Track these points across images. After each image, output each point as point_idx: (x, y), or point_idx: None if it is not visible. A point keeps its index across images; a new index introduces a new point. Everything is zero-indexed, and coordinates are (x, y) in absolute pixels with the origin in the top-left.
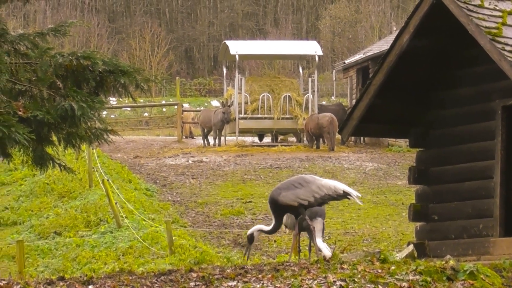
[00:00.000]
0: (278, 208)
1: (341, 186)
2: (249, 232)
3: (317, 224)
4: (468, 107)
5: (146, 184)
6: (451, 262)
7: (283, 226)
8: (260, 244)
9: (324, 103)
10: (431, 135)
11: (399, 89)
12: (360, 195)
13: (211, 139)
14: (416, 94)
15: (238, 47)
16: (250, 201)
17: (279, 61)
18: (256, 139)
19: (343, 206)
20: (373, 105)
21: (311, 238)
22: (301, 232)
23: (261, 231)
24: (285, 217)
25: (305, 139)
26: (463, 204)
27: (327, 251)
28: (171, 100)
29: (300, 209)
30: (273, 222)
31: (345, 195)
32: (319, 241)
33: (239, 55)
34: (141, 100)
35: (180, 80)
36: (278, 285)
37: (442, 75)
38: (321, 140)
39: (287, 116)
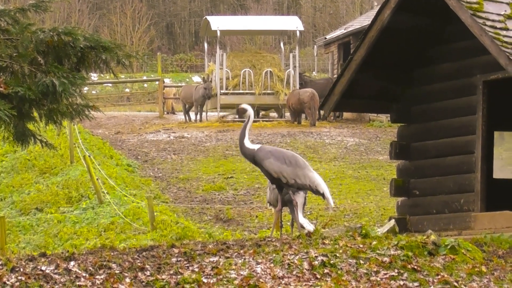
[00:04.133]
0: (256, 165)
1: (323, 187)
2: (245, 107)
3: (299, 198)
4: (449, 82)
5: (128, 160)
6: (433, 237)
7: (267, 204)
8: (242, 219)
9: (312, 75)
10: (413, 111)
11: (381, 65)
12: (333, 205)
13: (192, 115)
14: (398, 70)
15: (219, 22)
16: (231, 177)
17: (261, 37)
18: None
19: (325, 181)
20: (354, 81)
21: (293, 213)
22: (283, 208)
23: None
24: (268, 193)
25: (287, 114)
26: (445, 179)
27: (309, 227)
28: (152, 76)
29: (276, 182)
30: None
31: (322, 195)
32: (301, 217)
33: (220, 31)
34: (122, 76)
35: (162, 55)
36: (260, 261)
37: (423, 51)
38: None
39: (269, 91)
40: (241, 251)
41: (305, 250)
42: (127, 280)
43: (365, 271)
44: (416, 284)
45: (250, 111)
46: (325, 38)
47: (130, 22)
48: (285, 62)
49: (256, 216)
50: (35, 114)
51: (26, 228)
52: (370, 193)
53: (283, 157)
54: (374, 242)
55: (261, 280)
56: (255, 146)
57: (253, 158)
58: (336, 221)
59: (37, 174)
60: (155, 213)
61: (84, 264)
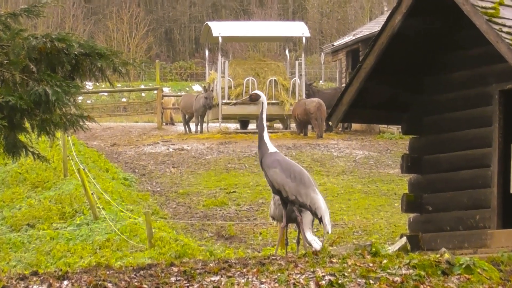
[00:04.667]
0: (261, 168)
1: (323, 211)
2: (258, 92)
3: (306, 216)
4: (463, 91)
5: (124, 173)
6: (446, 256)
7: (270, 218)
8: (244, 236)
9: (319, 84)
10: (425, 122)
11: (391, 73)
12: (329, 232)
13: (192, 126)
14: (409, 78)
15: (221, 28)
16: (234, 191)
17: (265, 44)
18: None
19: (332, 196)
20: (363, 90)
21: (299, 230)
22: (289, 224)
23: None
24: (272, 208)
25: (292, 125)
26: (459, 194)
27: (316, 244)
28: (150, 84)
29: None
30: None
31: (320, 219)
32: (307, 234)
33: (222, 37)
34: (119, 85)
35: (160, 63)
36: (264, 280)
37: (435, 58)
38: (309, 126)
39: (273, 101)
40: (244, 270)
41: (312, 269)
42: None
43: None
44: None
45: (264, 98)
46: (333, 45)
47: (127, 28)
48: (291, 70)
49: (260, 233)
50: (27, 124)
51: (17, 245)
52: (381, 209)
53: (290, 171)
54: (385, 261)
55: None
56: (271, 148)
57: (261, 159)
58: (344, 239)
59: (29, 188)
60: (153, 230)
61: (78, 283)
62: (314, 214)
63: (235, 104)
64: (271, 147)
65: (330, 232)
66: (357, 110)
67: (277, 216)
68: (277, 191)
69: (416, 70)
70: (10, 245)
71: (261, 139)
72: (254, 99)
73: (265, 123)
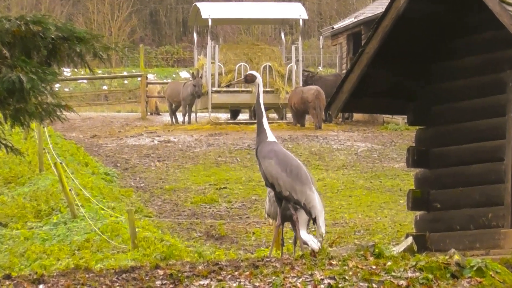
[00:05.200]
0: (256, 158)
1: (317, 212)
2: (254, 73)
3: (302, 214)
4: (474, 79)
5: (105, 167)
6: (456, 257)
7: (265, 216)
8: (236, 236)
9: (317, 70)
10: (433, 111)
11: (396, 58)
12: (323, 233)
13: (179, 116)
14: (415, 64)
15: (210, 10)
16: (225, 187)
17: (258, 27)
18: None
19: (332, 192)
20: (366, 77)
21: (295, 229)
22: (285, 223)
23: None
24: (267, 205)
25: (288, 115)
26: (470, 190)
27: (313, 245)
28: (133, 71)
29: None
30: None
31: (314, 219)
32: (303, 233)
33: (212, 19)
34: (100, 71)
35: (144, 48)
36: (257, 284)
37: (444, 43)
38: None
39: (268, 89)
40: (236, 273)
41: (310, 272)
42: None
43: None
44: None
45: (260, 79)
46: (333, 28)
47: (109, 9)
48: (287, 55)
49: (253, 233)
50: (0, 114)
51: None
52: (384, 206)
53: (286, 164)
54: (389, 263)
55: None
56: (270, 136)
57: (257, 148)
58: (345, 239)
59: (1, 184)
60: (136, 229)
61: (55, 287)
62: (309, 213)
63: (228, 85)
64: (271, 136)
65: (324, 234)
66: (359, 99)
67: (272, 213)
68: (270, 185)
69: (423, 55)
70: None
71: (260, 125)
72: (250, 80)
73: (263, 108)
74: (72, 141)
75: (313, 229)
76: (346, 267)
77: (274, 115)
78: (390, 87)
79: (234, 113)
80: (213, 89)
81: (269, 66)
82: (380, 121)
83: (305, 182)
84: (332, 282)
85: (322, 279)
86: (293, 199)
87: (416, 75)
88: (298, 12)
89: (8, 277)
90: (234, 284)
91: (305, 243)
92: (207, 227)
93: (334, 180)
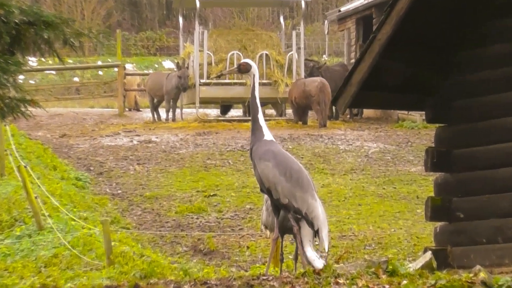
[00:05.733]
0: (251, 159)
1: (320, 223)
2: (249, 61)
3: (306, 226)
4: (503, 69)
5: (77, 171)
6: (482, 275)
7: (261, 227)
8: (228, 251)
9: (322, 59)
10: (455, 107)
11: (412, 46)
12: (326, 249)
13: (162, 112)
14: (435, 53)
15: None
16: (214, 195)
17: (254, 9)
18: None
19: (339, 200)
20: (378, 67)
21: (297, 243)
22: (284, 236)
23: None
24: (264, 215)
25: (288, 111)
26: (498, 198)
27: (317, 261)
28: (109, 60)
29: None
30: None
31: (316, 231)
32: (307, 249)
33: (200, 1)
34: (70, 61)
35: (122, 34)
36: None
37: (468, 27)
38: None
39: (265, 81)
40: None
41: None
42: None
43: None
44: None
45: (255, 68)
46: (339, 11)
47: None
48: (286, 42)
49: (248, 247)
50: None
51: None
52: (399, 217)
53: (286, 167)
54: (404, 282)
55: None
56: (267, 134)
57: (252, 147)
58: (354, 254)
59: None
60: (112, 243)
61: None
62: (311, 224)
63: (219, 77)
64: (268, 134)
65: (327, 249)
66: (370, 93)
67: (270, 224)
68: (266, 191)
69: (445, 43)
70: None
71: (255, 122)
72: (244, 70)
73: (258, 102)
74: (39, 141)
75: (316, 243)
76: (355, 287)
77: (272, 111)
78: (405, 79)
79: (225, 108)
80: (201, 81)
81: (266, 54)
82: (395, 118)
83: (306, 189)
84: None
85: None
86: (293, 208)
87: (436, 66)
88: None
89: None
90: None
91: (308, 261)
92: (194, 240)
93: (341, 186)
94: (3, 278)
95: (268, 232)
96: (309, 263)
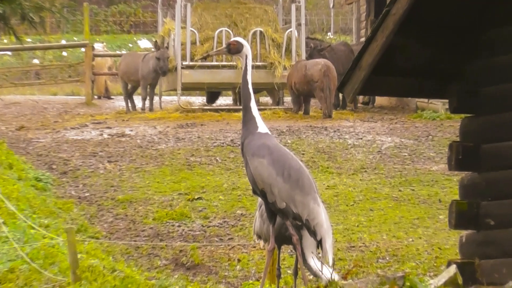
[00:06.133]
0: (242, 155)
1: (324, 232)
2: (241, 40)
3: (306, 235)
4: None
5: (36, 170)
6: None
7: (254, 237)
8: (215, 265)
9: (326, 37)
10: (484, 94)
11: (432, 23)
12: (330, 263)
13: (138, 100)
14: (458, 31)
15: None
16: (199, 198)
17: None
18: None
19: (346, 205)
20: (392, 48)
21: (297, 255)
22: (282, 246)
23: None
24: (258, 222)
25: (287, 99)
26: None
27: (323, 272)
28: (75, 39)
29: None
30: None
31: (319, 242)
32: (311, 261)
33: None
34: (29, 40)
35: (90, 8)
36: None
37: (496, 2)
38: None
39: (259, 63)
40: None
41: None
42: None
43: None
44: None
45: (248, 48)
46: None
47: None
48: (285, 17)
49: (239, 260)
50: None
51: None
52: (418, 224)
53: (284, 165)
54: None
55: None
56: (261, 126)
57: (243, 141)
58: (364, 268)
59: None
60: (79, 255)
61: None
62: (313, 233)
63: (205, 58)
64: (262, 126)
65: (332, 263)
66: (383, 78)
67: (265, 233)
68: (260, 192)
69: (469, 20)
70: None
71: (247, 112)
72: (235, 50)
73: (251, 88)
74: None
75: (319, 255)
76: None
77: (267, 99)
78: (425, 61)
79: (212, 96)
80: (184, 63)
81: (261, 32)
82: (413, 107)
83: (308, 191)
84: None
85: None
86: (292, 213)
87: (461, 46)
88: None
89: None
90: None
91: (313, 272)
92: (176, 252)
93: (349, 188)
94: None
95: (262, 242)
96: (314, 274)
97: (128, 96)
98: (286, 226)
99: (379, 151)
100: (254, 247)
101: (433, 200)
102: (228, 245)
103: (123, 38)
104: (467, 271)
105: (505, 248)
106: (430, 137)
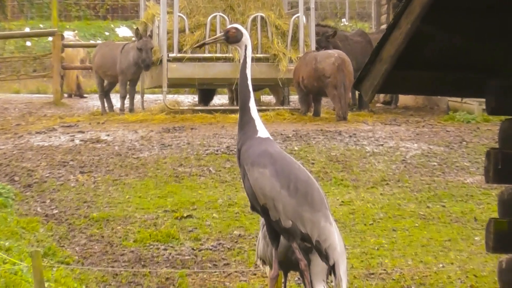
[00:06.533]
0: (239, 166)
1: (337, 255)
2: (239, 28)
3: (316, 258)
4: None
5: None
6: None
7: (257, 261)
8: None
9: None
10: None
11: (465, 9)
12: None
13: (116, 99)
14: (495, 18)
15: None
16: (189, 216)
17: None
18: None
19: (364, 224)
20: (418, 37)
21: (305, 283)
22: (288, 273)
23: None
24: (261, 244)
25: (294, 98)
26: None
27: None
28: (42, 26)
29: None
30: None
31: (332, 267)
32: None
33: None
34: None
35: None
36: None
37: None
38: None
39: (260, 55)
40: None
41: None
42: None
43: None
44: None
45: (247, 37)
46: None
47: None
48: (290, 1)
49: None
50: None
51: None
52: (450, 247)
53: (289, 177)
54: None
55: None
56: (261, 130)
57: (240, 147)
58: None
59: None
60: (46, 284)
61: None
62: (324, 257)
63: (200, 46)
64: (262, 129)
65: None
66: (407, 72)
67: (269, 257)
68: (261, 209)
69: (509, 4)
70: None
71: (245, 111)
72: (232, 39)
73: (250, 85)
74: None
75: (331, 283)
76: None
77: (270, 98)
78: (459, 53)
79: (206, 94)
80: (171, 55)
81: (262, 17)
82: (443, 108)
83: (319, 207)
84: None
85: None
86: (299, 234)
87: (500, 35)
88: None
89: None
90: None
91: None
92: (161, 280)
93: (367, 204)
94: None
95: (266, 268)
96: None
97: (104, 94)
98: (293, 249)
99: (403, 160)
100: (255, 274)
101: (467, 218)
102: (224, 271)
103: (98, 25)
104: None
105: None
106: (464, 143)
